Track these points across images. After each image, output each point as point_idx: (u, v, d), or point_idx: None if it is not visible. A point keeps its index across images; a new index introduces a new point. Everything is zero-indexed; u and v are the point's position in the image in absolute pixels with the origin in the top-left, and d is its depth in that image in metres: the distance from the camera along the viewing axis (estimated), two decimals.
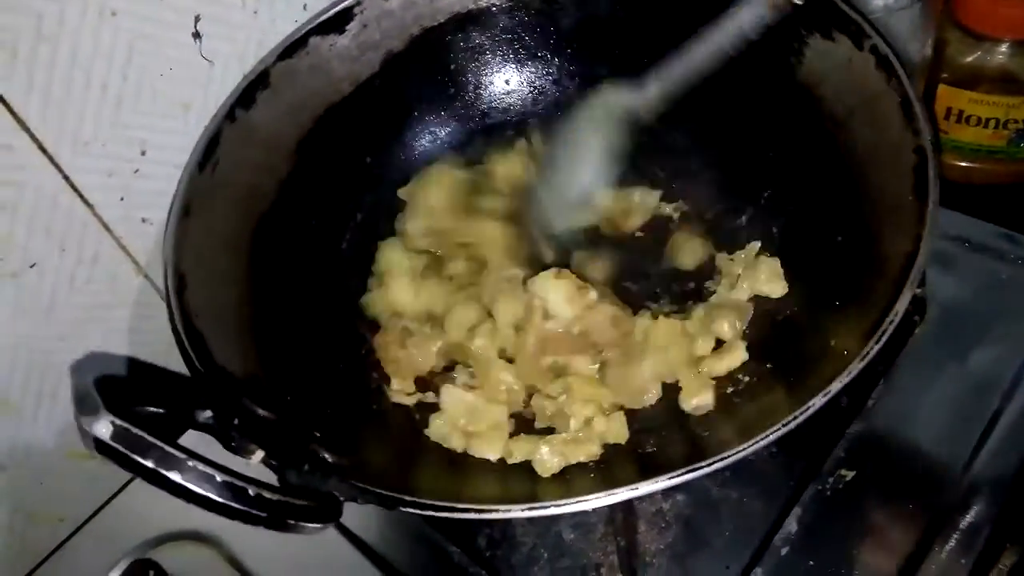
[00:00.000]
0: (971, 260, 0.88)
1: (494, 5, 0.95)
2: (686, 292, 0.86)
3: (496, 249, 0.87)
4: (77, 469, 0.91)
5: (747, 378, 0.75)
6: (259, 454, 0.60)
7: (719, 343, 0.79)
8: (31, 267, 0.80)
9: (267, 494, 0.54)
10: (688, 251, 0.88)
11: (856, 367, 0.59)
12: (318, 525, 0.57)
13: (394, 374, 0.83)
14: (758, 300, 0.81)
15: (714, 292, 0.84)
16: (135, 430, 0.52)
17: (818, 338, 0.69)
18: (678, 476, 0.57)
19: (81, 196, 0.82)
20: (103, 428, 0.52)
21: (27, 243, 0.79)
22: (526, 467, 0.73)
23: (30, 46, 0.74)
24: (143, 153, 0.85)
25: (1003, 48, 0.91)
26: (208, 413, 0.61)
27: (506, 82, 0.99)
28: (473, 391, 0.78)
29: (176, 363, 0.92)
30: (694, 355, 0.78)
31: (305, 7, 0.93)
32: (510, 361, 0.80)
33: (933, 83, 0.95)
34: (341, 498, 0.59)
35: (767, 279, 0.80)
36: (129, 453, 0.52)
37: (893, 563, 0.72)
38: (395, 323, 0.85)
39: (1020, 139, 0.94)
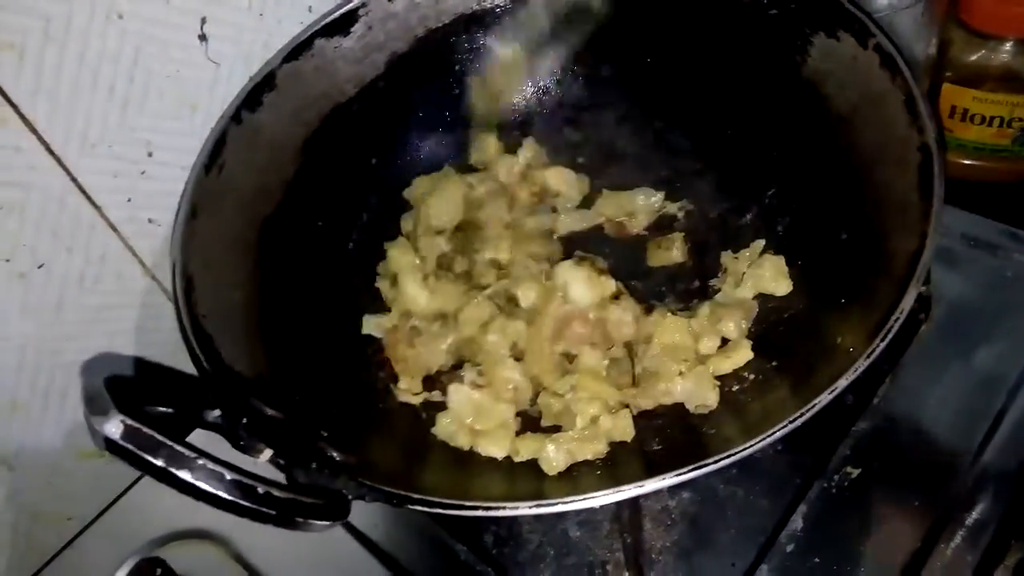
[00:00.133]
0: (976, 258, 0.88)
1: (498, 6, 0.95)
2: (691, 291, 0.86)
3: (504, 251, 0.88)
4: (85, 469, 0.92)
5: (752, 376, 0.75)
6: (267, 453, 0.61)
7: (724, 341, 0.79)
8: (39, 268, 0.81)
9: (276, 492, 0.54)
10: (662, 257, 0.89)
11: (862, 364, 0.59)
12: (326, 523, 0.57)
13: (402, 373, 0.83)
14: (763, 298, 0.81)
15: (719, 291, 0.84)
16: (145, 429, 0.52)
17: (823, 336, 0.69)
18: (685, 473, 0.57)
19: (88, 197, 0.82)
20: (114, 427, 0.52)
21: (35, 244, 0.80)
22: (532, 465, 0.73)
23: (38, 48, 0.74)
24: (150, 154, 0.85)
25: (1007, 47, 0.91)
26: (217, 412, 0.62)
27: None
28: (480, 390, 0.78)
29: (183, 363, 0.92)
30: (699, 353, 0.78)
31: (310, 9, 0.93)
32: (518, 360, 0.80)
33: (937, 82, 0.95)
34: (349, 496, 0.59)
35: (772, 277, 0.80)
36: (139, 452, 0.52)
37: (898, 560, 0.72)
38: (404, 322, 0.85)
39: None
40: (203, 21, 0.84)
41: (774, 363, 0.75)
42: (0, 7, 0.71)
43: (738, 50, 0.86)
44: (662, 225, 0.91)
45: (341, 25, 0.90)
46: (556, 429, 0.75)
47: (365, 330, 0.87)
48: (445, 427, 0.77)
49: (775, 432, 0.57)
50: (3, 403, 0.84)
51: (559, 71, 0.99)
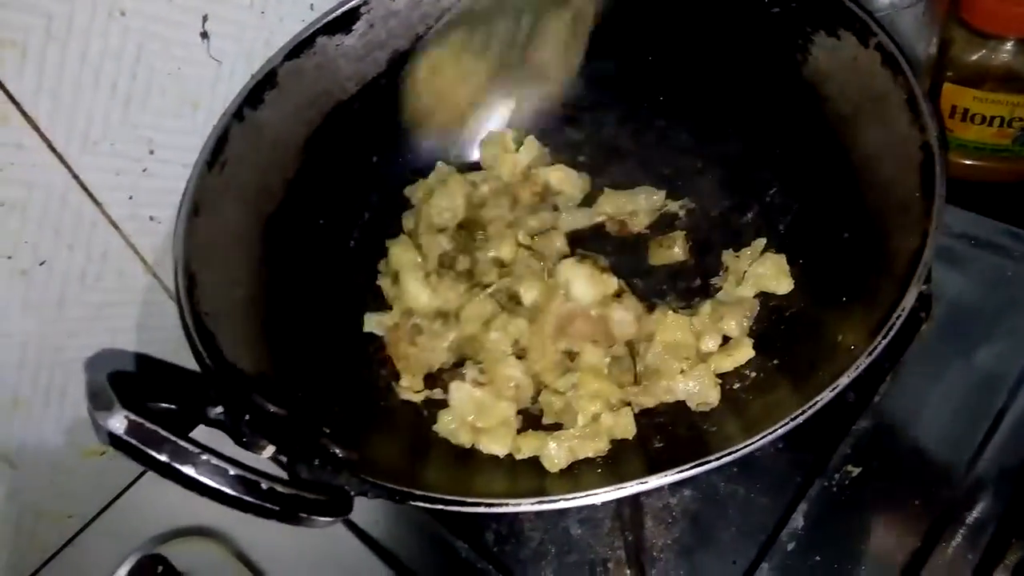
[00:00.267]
0: (976, 257, 0.88)
1: None
2: (692, 289, 0.86)
3: (506, 249, 0.88)
4: (86, 466, 0.92)
5: (753, 374, 0.76)
6: (270, 449, 0.61)
7: (725, 340, 0.79)
8: (40, 265, 0.81)
9: (279, 488, 0.54)
10: (663, 255, 0.89)
11: (863, 362, 0.59)
12: (329, 519, 0.57)
13: (404, 371, 0.83)
14: (764, 296, 0.81)
15: (720, 289, 0.84)
16: (149, 425, 0.52)
17: (824, 334, 0.70)
18: (687, 470, 0.57)
19: (90, 195, 0.82)
20: (118, 423, 0.52)
21: (36, 241, 0.80)
22: (534, 462, 0.73)
23: (40, 46, 0.74)
24: (151, 152, 0.85)
25: (1008, 46, 0.90)
26: (219, 409, 0.62)
27: None
28: (481, 387, 0.78)
29: (184, 360, 0.93)
30: (701, 352, 0.78)
31: (312, 7, 0.93)
32: (520, 358, 0.80)
33: (938, 82, 0.95)
34: (351, 492, 0.60)
35: (773, 276, 0.81)
36: (143, 447, 0.52)
37: (899, 558, 0.72)
38: (405, 320, 0.85)
39: None
40: (205, 19, 0.84)
41: (775, 361, 0.75)
42: (2, 4, 0.71)
43: (740, 48, 0.86)
44: (663, 223, 0.91)
45: (343, 23, 0.90)
46: (558, 427, 0.76)
47: (367, 328, 0.87)
48: (446, 424, 0.77)
49: (777, 429, 0.58)
50: (5, 400, 0.84)
51: None
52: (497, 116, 1.00)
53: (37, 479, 0.89)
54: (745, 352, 0.77)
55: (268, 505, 0.54)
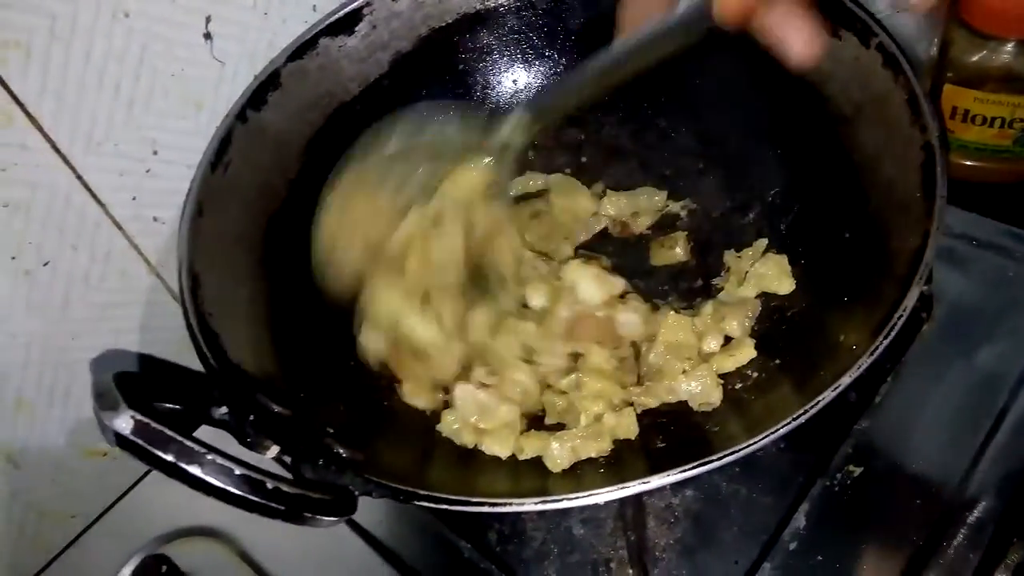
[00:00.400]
0: (978, 257, 0.88)
1: (502, 6, 0.96)
2: (694, 290, 0.87)
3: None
4: (89, 466, 0.92)
5: (755, 374, 0.76)
6: (274, 449, 0.61)
7: (727, 340, 0.80)
8: (44, 265, 0.81)
9: (285, 487, 0.54)
10: (665, 256, 0.89)
11: (865, 362, 0.59)
12: (334, 519, 0.57)
13: (413, 385, 0.82)
14: (766, 297, 0.82)
15: (722, 289, 0.84)
16: (155, 424, 0.52)
17: (826, 334, 0.70)
18: (689, 470, 0.57)
19: (94, 195, 0.82)
20: (124, 423, 0.53)
21: (40, 242, 0.80)
22: (537, 463, 0.73)
23: (44, 46, 0.74)
24: (155, 153, 0.85)
25: (1009, 47, 0.90)
26: (223, 409, 0.62)
27: (514, 82, 1.00)
28: (486, 389, 0.78)
29: (187, 361, 0.93)
30: (703, 352, 0.78)
31: (315, 8, 0.93)
32: (527, 361, 0.80)
33: (939, 83, 0.95)
34: (356, 492, 0.60)
35: (775, 276, 0.81)
36: (149, 447, 0.53)
37: (900, 559, 0.72)
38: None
39: None
40: (208, 20, 0.85)
41: (777, 361, 0.76)
42: (6, 5, 0.71)
43: (740, 49, 0.86)
44: (665, 224, 0.92)
45: (345, 24, 0.90)
46: (560, 427, 0.76)
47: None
48: (449, 425, 0.77)
49: (779, 429, 0.58)
50: (8, 401, 0.84)
51: (562, 70, 0.99)
52: None
53: (40, 479, 0.89)
54: (747, 352, 0.77)
55: (273, 505, 0.54)
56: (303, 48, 0.88)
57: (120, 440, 0.53)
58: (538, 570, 0.78)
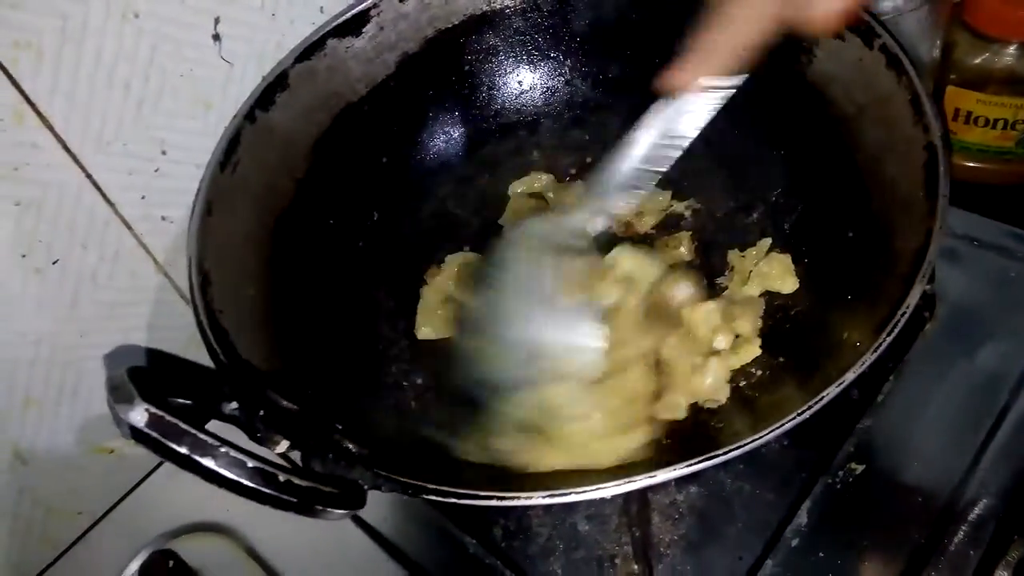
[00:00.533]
0: (980, 258, 0.89)
1: (507, 7, 0.97)
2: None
3: None
4: (96, 463, 0.93)
5: (760, 372, 0.76)
6: (283, 444, 0.62)
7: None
8: (54, 264, 0.82)
9: (296, 480, 0.55)
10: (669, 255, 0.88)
11: (869, 358, 0.59)
12: (343, 511, 0.58)
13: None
14: (770, 295, 0.82)
15: (726, 288, 0.85)
16: (169, 417, 0.53)
17: (829, 332, 0.70)
18: (694, 464, 0.58)
19: (103, 194, 0.83)
20: (138, 416, 0.53)
21: (51, 240, 0.81)
22: None
23: (55, 47, 0.75)
24: (164, 152, 0.86)
25: (1011, 50, 0.91)
26: (234, 405, 0.62)
27: (519, 83, 1.01)
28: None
29: (194, 358, 0.94)
30: (712, 349, 0.79)
31: (322, 10, 0.94)
32: None
33: (941, 84, 0.96)
34: (365, 486, 0.60)
35: (778, 275, 0.81)
36: (164, 440, 0.53)
37: (902, 556, 0.73)
38: None
39: None
40: (217, 21, 0.85)
41: (781, 359, 0.76)
42: (19, 6, 0.72)
43: None
44: (669, 224, 0.92)
45: (353, 25, 0.91)
46: None
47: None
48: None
49: (783, 424, 0.58)
50: (17, 398, 0.84)
51: (567, 71, 1.00)
52: None
53: (48, 476, 0.90)
54: (751, 351, 0.78)
55: (285, 497, 0.54)
56: (311, 49, 0.89)
57: (135, 433, 0.53)
58: (543, 566, 0.78)
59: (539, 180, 0.97)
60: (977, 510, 0.74)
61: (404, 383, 0.84)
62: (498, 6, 0.96)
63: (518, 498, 0.58)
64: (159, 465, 0.95)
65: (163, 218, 0.88)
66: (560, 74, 1.00)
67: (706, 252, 0.89)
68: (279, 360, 0.74)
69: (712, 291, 0.85)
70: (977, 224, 0.91)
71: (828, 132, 0.81)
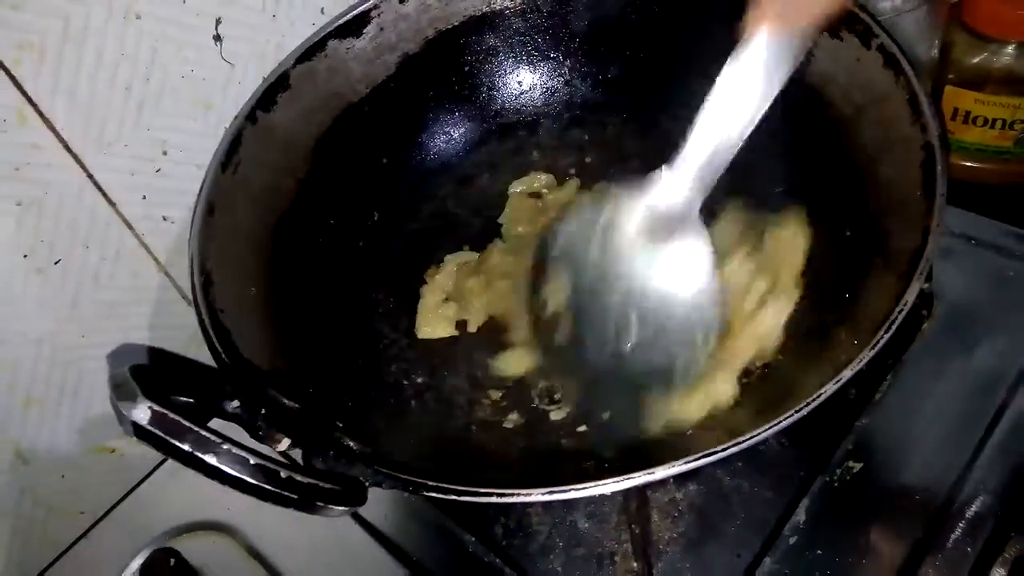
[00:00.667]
0: (978, 257, 0.89)
1: (507, 8, 0.97)
2: None
3: None
4: (98, 463, 0.93)
5: (758, 370, 0.77)
6: (285, 442, 0.62)
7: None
8: (56, 264, 0.82)
9: (298, 476, 0.55)
10: None
11: (867, 355, 0.60)
12: (344, 508, 0.58)
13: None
14: None
15: None
16: (172, 415, 0.53)
17: (828, 330, 0.70)
18: (693, 461, 0.58)
19: (104, 195, 0.83)
20: (141, 413, 0.53)
21: (52, 240, 0.81)
22: (539, 458, 0.75)
23: (57, 48, 0.76)
24: (165, 153, 0.86)
25: (1009, 49, 0.91)
26: (236, 403, 0.63)
27: (519, 83, 1.01)
28: None
29: (194, 358, 0.94)
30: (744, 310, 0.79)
31: (323, 11, 0.94)
32: None
33: (940, 84, 0.96)
34: (366, 483, 0.60)
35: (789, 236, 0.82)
36: (166, 437, 0.53)
37: (899, 552, 0.73)
38: None
39: None
40: (218, 22, 0.86)
41: (780, 357, 0.76)
42: (21, 7, 0.72)
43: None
44: None
45: (353, 27, 0.91)
46: None
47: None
48: None
49: (782, 421, 0.58)
50: (18, 398, 0.85)
51: (567, 71, 1.01)
52: None
53: (49, 476, 0.90)
54: (793, 296, 0.78)
55: (287, 494, 0.55)
56: (312, 50, 0.89)
57: (138, 430, 0.53)
58: (543, 563, 0.78)
59: (539, 180, 0.97)
60: (974, 508, 0.74)
61: (404, 382, 0.84)
62: (498, 7, 0.97)
63: (517, 495, 0.58)
64: (160, 464, 0.96)
65: (164, 218, 0.89)
66: (560, 74, 1.01)
67: None
68: (280, 359, 0.74)
69: None
70: (975, 223, 0.91)
71: (826, 132, 0.81)
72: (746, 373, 0.76)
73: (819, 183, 0.83)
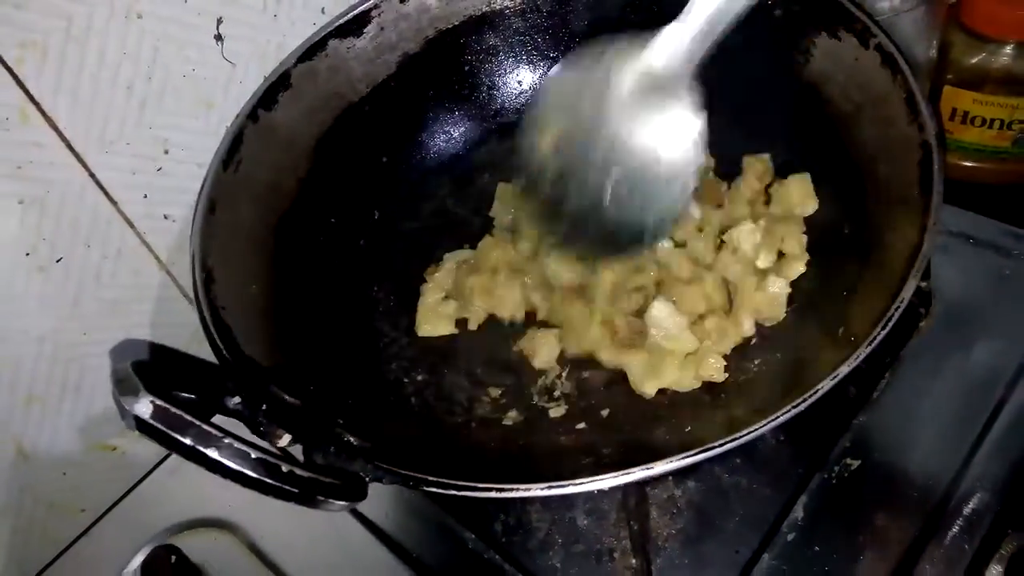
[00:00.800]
0: (975, 256, 0.89)
1: (507, 8, 0.97)
2: None
3: None
4: (99, 460, 0.93)
5: (756, 366, 0.77)
6: (286, 438, 0.62)
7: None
8: (58, 262, 0.82)
9: (299, 471, 0.55)
10: None
11: (864, 351, 0.60)
12: (345, 503, 0.58)
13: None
14: None
15: None
16: (174, 409, 0.54)
17: (826, 326, 0.71)
18: (690, 456, 0.58)
19: (106, 193, 0.84)
20: (144, 408, 0.54)
21: (54, 238, 0.82)
22: (539, 456, 0.75)
23: (59, 47, 0.76)
24: (166, 152, 0.87)
25: (1008, 50, 0.92)
26: (237, 399, 0.63)
27: (519, 82, 1.01)
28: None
29: (196, 355, 0.94)
30: (757, 269, 0.81)
31: (323, 10, 0.95)
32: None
33: (938, 84, 0.97)
34: (367, 478, 0.61)
35: (799, 199, 0.84)
36: (169, 431, 0.54)
37: (896, 549, 0.73)
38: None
39: None
40: (219, 22, 0.86)
41: (778, 354, 0.77)
42: (24, 7, 0.73)
43: (743, 49, 0.87)
44: None
45: (354, 26, 0.92)
46: None
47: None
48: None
49: (779, 416, 0.58)
50: (20, 395, 0.85)
51: None
52: None
53: (51, 473, 0.91)
54: (798, 267, 0.80)
55: (288, 488, 0.55)
56: (313, 49, 0.90)
57: (140, 424, 0.54)
58: (543, 560, 0.78)
59: None
60: (971, 505, 0.74)
61: (404, 379, 0.85)
62: (498, 7, 0.97)
63: (516, 489, 0.59)
64: (161, 462, 0.96)
65: (165, 216, 0.89)
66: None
67: None
68: (281, 356, 0.75)
69: None
70: (973, 222, 0.91)
71: (825, 130, 0.82)
72: (743, 370, 0.77)
73: (818, 181, 0.83)
